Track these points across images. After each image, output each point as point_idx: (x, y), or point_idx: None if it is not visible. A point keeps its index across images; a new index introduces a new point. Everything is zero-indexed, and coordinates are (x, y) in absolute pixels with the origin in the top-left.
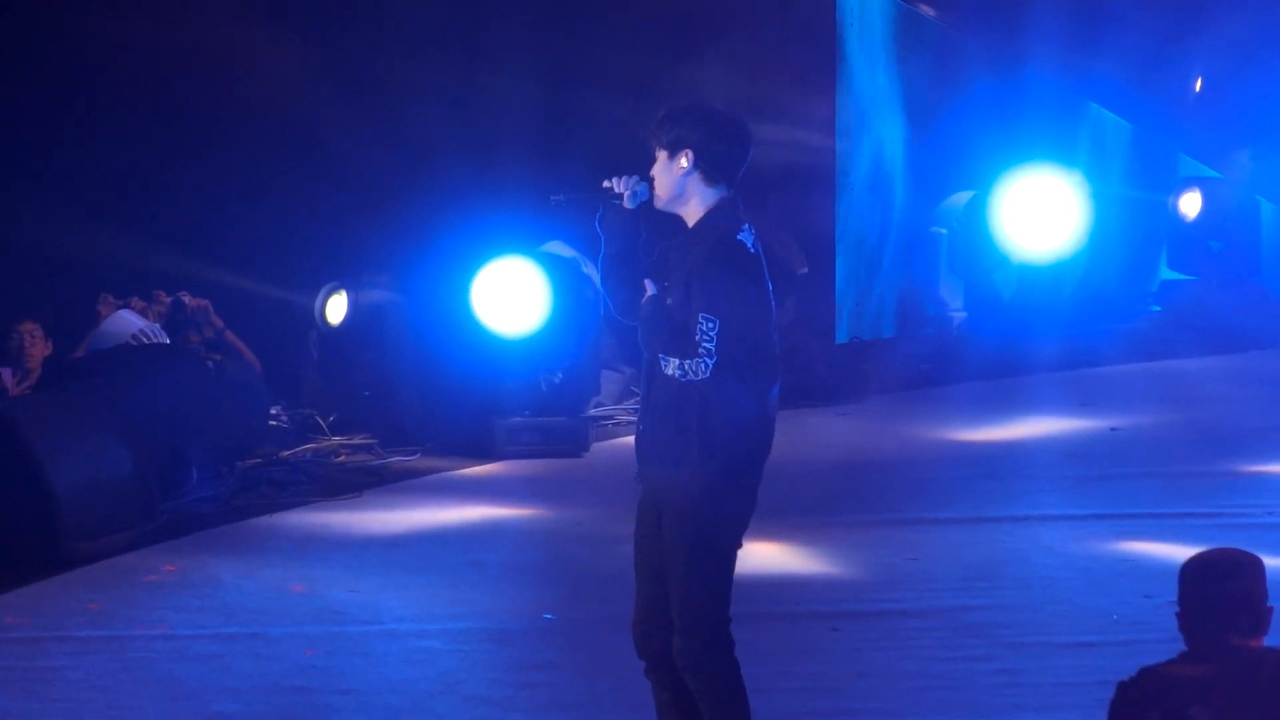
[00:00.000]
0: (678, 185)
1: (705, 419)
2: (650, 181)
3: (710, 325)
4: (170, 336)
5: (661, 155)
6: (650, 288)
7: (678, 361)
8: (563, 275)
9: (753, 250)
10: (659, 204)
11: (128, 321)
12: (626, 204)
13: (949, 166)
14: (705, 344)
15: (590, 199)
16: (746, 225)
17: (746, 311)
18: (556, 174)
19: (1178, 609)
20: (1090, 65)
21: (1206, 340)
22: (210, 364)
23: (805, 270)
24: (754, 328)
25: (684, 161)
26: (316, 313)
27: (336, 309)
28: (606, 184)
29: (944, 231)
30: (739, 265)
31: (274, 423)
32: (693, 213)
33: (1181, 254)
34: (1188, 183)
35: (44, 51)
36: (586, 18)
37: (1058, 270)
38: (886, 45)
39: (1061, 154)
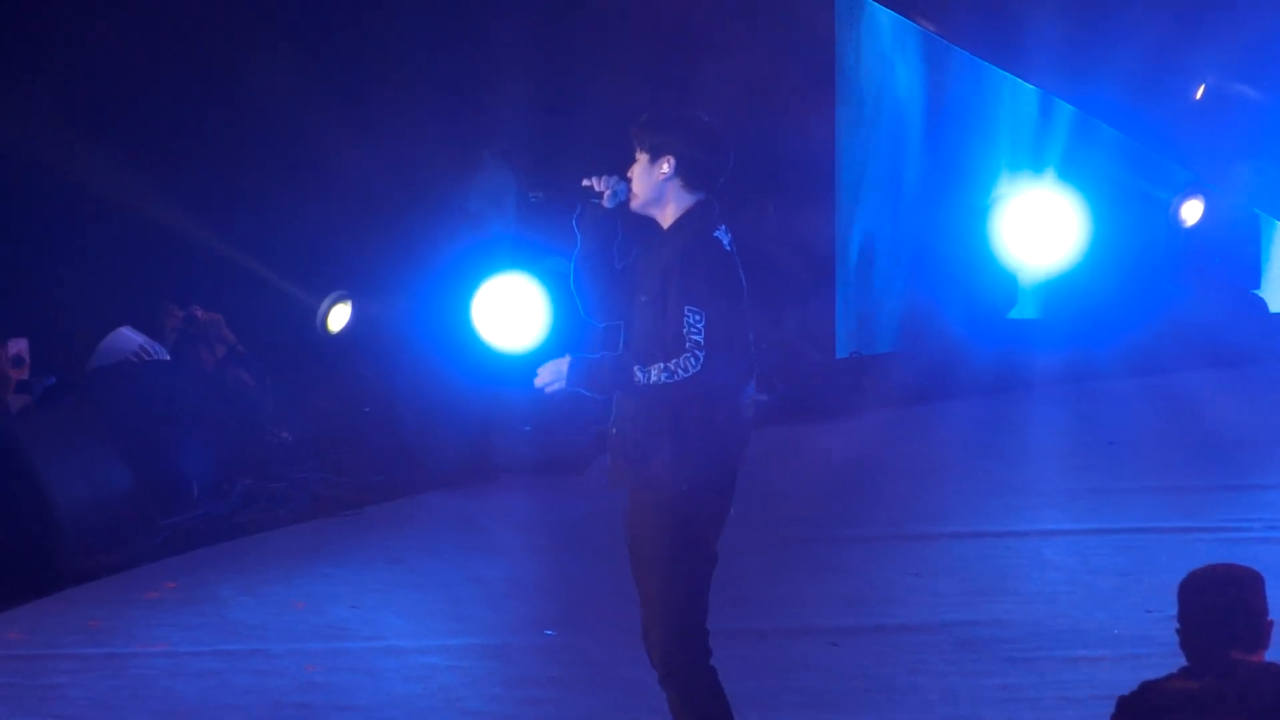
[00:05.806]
0: (656, 189)
1: (677, 418)
2: (629, 182)
3: (697, 317)
4: (182, 351)
5: (642, 158)
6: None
7: (661, 365)
8: (563, 291)
9: (728, 248)
10: (635, 205)
11: (128, 339)
12: (606, 203)
13: (949, 181)
14: (694, 336)
15: (569, 198)
16: (723, 226)
17: (725, 305)
18: (554, 185)
19: (1178, 625)
20: (1088, 76)
21: (1205, 354)
22: (229, 377)
23: None
24: (732, 322)
25: (665, 168)
26: (318, 320)
27: (339, 317)
28: (586, 182)
29: (945, 246)
30: (715, 260)
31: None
32: (668, 216)
33: (1181, 268)
34: (1190, 189)
35: (60, 60)
36: (585, 31)
37: (1057, 284)
38: (886, 57)
39: (1060, 167)
